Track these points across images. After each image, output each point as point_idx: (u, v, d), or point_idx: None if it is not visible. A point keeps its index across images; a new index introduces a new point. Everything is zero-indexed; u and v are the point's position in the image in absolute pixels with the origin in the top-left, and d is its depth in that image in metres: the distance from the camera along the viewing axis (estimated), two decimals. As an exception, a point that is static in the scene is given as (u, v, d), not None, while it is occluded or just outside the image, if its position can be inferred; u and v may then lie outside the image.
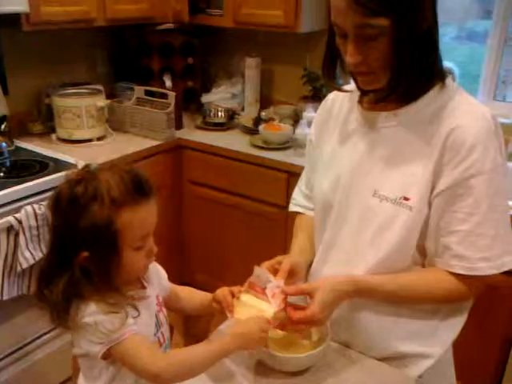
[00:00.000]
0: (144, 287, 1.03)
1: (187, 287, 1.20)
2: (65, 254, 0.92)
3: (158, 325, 1.05)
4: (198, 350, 0.96)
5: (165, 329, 1.08)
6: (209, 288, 1.11)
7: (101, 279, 0.92)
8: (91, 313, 0.91)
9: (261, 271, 1.06)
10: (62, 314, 0.94)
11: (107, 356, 0.93)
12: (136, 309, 0.95)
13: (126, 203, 0.90)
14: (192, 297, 1.17)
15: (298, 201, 1.33)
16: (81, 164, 2.07)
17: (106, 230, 0.89)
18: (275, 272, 1.09)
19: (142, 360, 0.91)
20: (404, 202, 1.01)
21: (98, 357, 0.92)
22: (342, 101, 1.17)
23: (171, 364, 0.92)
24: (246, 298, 1.05)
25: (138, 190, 0.92)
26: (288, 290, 1.03)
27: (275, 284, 1.04)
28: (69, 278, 0.92)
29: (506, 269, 1.00)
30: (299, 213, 1.32)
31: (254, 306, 1.03)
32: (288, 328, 1.02)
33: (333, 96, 1.21)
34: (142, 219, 0.93)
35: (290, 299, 1.05)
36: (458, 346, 1.12)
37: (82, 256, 0.91)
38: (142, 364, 0.91)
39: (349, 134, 1.11)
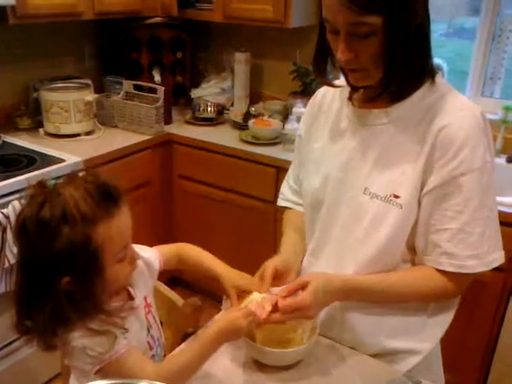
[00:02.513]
0: (132, 298, 1.00)
1: (195, 247, 1.17)
2: (42, 285, 0.86)
3: (148, 328, 1.04)
4: (187, 355, 0.95)
5: (154, 330, 1.07)
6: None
7: (87, 300, 0.87)
8: (78, 337, 0.88)
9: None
10: (50, 341, 0.89)
11: (99, 371, 0.90)
12: (124, 328, 0.91)
13: (99, 217, 0.85)
14: (197, 261, 1.15)
15: (286, 196, 1.33)
16: (69, 159, 2.06)
17: (84, 249, 0.84)
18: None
19: (135, 377, 0.89)
20: (394, 199, 1.01)
21: (90, 374, 0.90)
22: (332, 96, 1.16)
23: (164, 376, 0.91)
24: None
25: (107, 199, 0.86)
26: (283, 294, 1.01)
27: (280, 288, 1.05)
28: (53, 306, 0.86)
29: (494, 266, 1.01)
30: (287, 208, 1.32)
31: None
32: (276, 318, 0.99)
33: (322, 91, 1.20)
34: (119, 230, 0.89)
35: None
36: (446, 339, 1.13)
37: (63, 282, 0.85)
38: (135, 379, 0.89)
39: (339, 131, 1.11)
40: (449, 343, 1.18)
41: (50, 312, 0.86)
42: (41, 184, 0.88)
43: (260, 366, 1.06)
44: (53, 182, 0.89)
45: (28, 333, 0.90)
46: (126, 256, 0.92)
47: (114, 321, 0.90)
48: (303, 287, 1.00)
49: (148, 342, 1.04)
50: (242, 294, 1.06)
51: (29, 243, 0.86)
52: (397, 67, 0.94)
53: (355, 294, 1.06)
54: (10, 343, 1.96)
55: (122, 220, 0.89)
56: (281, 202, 1.34)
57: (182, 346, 1.08)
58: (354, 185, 1.06)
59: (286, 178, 1.34)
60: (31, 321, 0.88)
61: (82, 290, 0.87)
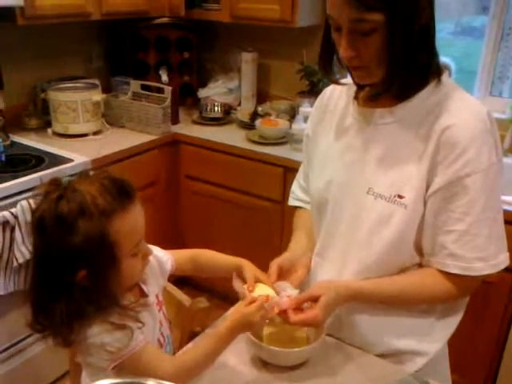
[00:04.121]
0: (145, 294, 1.01)
1: (212, 251, 1.20)
2: (59, 279, 0.87)
3: (159, 326, 1.05)
4: (202, 348, 0.96)
5: (164, 328, 1.07)
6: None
7: (102, 294, 0.88)
8: (96, 333, 0.88)
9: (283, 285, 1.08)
10: (67, 337, 0.90)
11: (115, 367, 0.91)
12: (140, 321, 0.92)
13: (116, 212, 0.86)
14: (214, 260, 1.18)
15: (296, 195, 1.33)
16: (77, 159, 2.07)
17: (101, 243, 0.85)
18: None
19: (153, 370, 0.91)
20: (398, 199, 1.00)
21: (106, 371, 0.91)
22: (339, 95, 1.16)
23: (181, 368, 0.93)
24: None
25: (122, 195, 0.88)
26: (293, 305, 1.01)
27: (286, 290, 1.06)
28: (68, 301, 0.87)
29: (501, 268, 1.00)
30: (298, 207, 1.32)
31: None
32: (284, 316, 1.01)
33: (330, 90, 1.20)
34: (133, 224, 0.90)
35: None
36: (454, 339, 1.13)
37: (80, 276, 0.86)
38: (153, 374, 0.90)
39: (344, 130, 1.11)
40: (457, 343, 1.18)
41: (66, 307, 0.87)
42: (55, 181, 0.89)
43: (266, 365, 1.06)
44: (67, 178, 0.90)
45: (43, 330, 0.91)
46: (139, 251, 0.94)
47: (130, 315, 0.91)
48: (314, 299, 1.01)
49: (158, 340, 1.05)
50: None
51: (46, 238, 0.86)
52: (398, 66, 0.94)
53: (363, 299, 1.06)
54: (19, 342, 1.98)
55: (137, 215, 0.91)
56: (292, 202, 1.34)
57: (190, 344, 1.09)
58: (358, 185, 1.06)
59: (297, 177, 1.34)
60: (47, 317, 0.89)
61: (97, 283, 0.88)
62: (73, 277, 0.86)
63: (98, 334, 0.88)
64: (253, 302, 0.98)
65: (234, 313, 0.99)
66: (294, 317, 0.99)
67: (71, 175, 0.94)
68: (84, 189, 0.86)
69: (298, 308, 1.02)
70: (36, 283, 0.91)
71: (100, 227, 0.84)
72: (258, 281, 1.07)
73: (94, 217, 0.84)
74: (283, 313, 1.01)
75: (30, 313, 0.91)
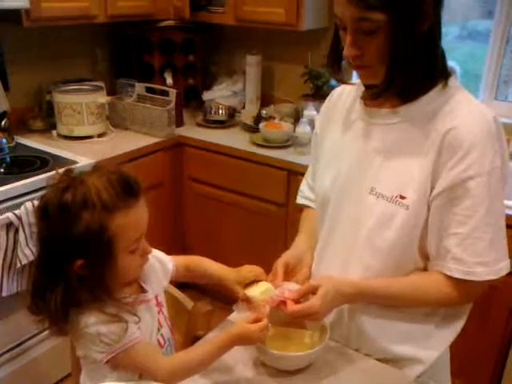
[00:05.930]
0: (144, 290, 1.02)
1: (205, 259, 1.19)
2: (57, 265, 0.89)
3: (158, 327, 1.05)
4: (199, 351, 0.97)
5: (165, 330, 1.07)
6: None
7: (98, 285, 0.90)
8: (93, 323, 0.89)
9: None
10: (62, 325, 0.92)
11: (110, 361, 0.92)
12: (136, 315, 0.93)
13: (118, 207, 0.88)
14: (206, 267, 1.18)
15: (304, 193, 1.33)
16: (82, 161, 2.08)
17: (99, 236, 0.87)
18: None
19: (147, 368, 0.93)
20: (400, 200, 1.00)
21: (101, 363, 0.92)
22: (347, 96, 1.16)
23: (176, 368, 0.94)
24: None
25: (127, 191, 0.90)
26: (293, 297, 1.01)
27: (289, 287, 1.05)
28: (65, 288, 0.89)
29: (502, 274, 0.99)
30: (305, 205, 1.32)
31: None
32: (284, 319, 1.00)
33: (338, 91, 1.21)
34: (134, 222, 0.92)
35: None
36: (458, 344, 1.12)
37: (77, 264, 0.88)
38: (146, 371, 0.93)
39: (350, 129, 1.11)
40: (460, 347, 1.17)
41: (61, 293, 0.89)
42: (67, 171, 0.92)
43: (267, 367, 1.05)
44: (79, 170, 0.93)
45: (40, 313, 0.93)
46: (138, 248, 0.95)
47: (126, 308, 0.93)
48: (313, 291, 1.00)
49: (158, 340, 1.04)
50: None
51: (48, 224, 0.89)
52: (398, 66, 0.94)
53: (363, 298, 1.05)
54: (22, 343, 1.98)
55: (139, 213, 0.93)
56: (300, 200, 1.35)
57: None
58: (360, 184, 1.06)
59: (306, 175, 1.35)
60: (43, 301, 0.91)
61: (93, 274, 0.90)
62: (70, 265, 0.88)
63: (95, 325, 0.89)
64: (259, 320, 0.98)
65: (238, 325, 0.98)
66: (290, 307, 0.98)
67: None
68: (91, 182, 0.88)
69: (299, 301, 1.01)
70: (37, 266, 0.94)
71: (100, 220, 0.86)
72: (245, 283, 1.09)
73: (96, 209, 0.86)
74: (283, 304, 1.00)
75: (29, 295, 0.94)
